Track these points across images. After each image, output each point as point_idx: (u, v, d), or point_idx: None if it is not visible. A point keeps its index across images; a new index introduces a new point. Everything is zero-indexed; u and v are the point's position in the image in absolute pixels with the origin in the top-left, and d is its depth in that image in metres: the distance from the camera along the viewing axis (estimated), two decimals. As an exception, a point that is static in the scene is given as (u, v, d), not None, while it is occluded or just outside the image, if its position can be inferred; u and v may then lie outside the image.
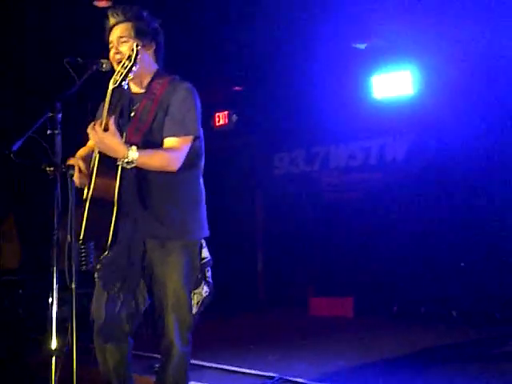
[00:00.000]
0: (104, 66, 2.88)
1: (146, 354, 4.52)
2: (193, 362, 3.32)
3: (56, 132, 2.49)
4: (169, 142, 2.88)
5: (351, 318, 6.98)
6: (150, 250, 2.90)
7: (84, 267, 2.77)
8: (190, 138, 2.92)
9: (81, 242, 2.74)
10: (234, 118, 8.34)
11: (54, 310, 2.42)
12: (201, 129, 2.99)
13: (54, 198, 2.47)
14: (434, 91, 6.63)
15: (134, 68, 2.72)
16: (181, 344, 2.93)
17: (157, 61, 3.06)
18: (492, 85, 6.22)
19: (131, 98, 2.98)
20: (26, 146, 2.44)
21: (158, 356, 3.04)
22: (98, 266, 2.89)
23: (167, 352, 2.93)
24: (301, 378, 4.17)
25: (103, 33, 3.00)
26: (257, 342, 5.55)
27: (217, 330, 6.00)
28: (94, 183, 2.77)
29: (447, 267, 6.55)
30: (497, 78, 6.20)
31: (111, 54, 2.94)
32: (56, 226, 2.46)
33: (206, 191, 3.08)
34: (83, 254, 2.76)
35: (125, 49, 2.89)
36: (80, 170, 2.79)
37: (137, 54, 2.72)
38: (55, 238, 2.45)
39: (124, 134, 2.81)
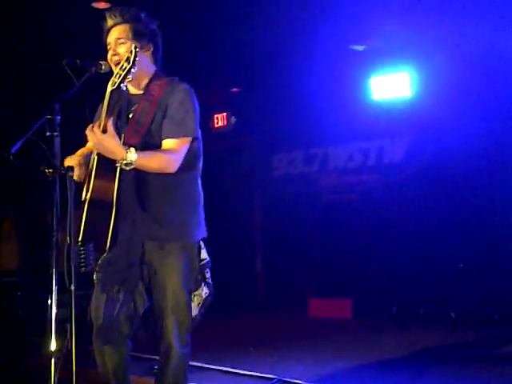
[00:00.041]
0: (103, 67, 2.89)
1: (145, 356, 4.52)
2: (192, 363, 3.33)
3: (55, 134, 2.50)
4: (167, 143, 2.88)
5: (350, 319, 6.98)
6: (149, 251, 2.90)
7: (83, 269, 2.77)
8: (189, 139, 2.92)
9: (80, 243, 2.74)
10: (233, 119, 8.35)
11: (53, 312, 2.42)
12: (199, 130, 2.99)
13: (53, 200, 2.47)
14: (432, 93, 6.63)
15: (132, 70, 2.73)
16: (180, 345, 2.93)
17: (155, 62, 3.07)
18: (490, 86, 6.23)
19: (129, 99, 2.98)
20: (24, 147, 2.44)
21: (157, 358, 3.04)
22: (97, 268, 2.89)
23: (166, 353, 2.93)
24: (299, 379, 4.18)
25: (102, 34, 3.01)
26: (256, 344, 5.55)
27: (216, 332, 5.99)
28: (93, 185, 2.77)
29: (446, 268, 6.54)
30: (495, 79, 6.21)
31: (109, 55, 2.95)
32: (55, 227, 2.46)
33: (204, 192, 3.08)
34: (82, 256, 2.76)
35: (123, 50, 2.89)
36: (79, 164, 2.81)
37: (135, 56, 2.72)
38: (54, 239, 2.45)
39: (122, 136, 2.81)
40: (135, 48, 2.75)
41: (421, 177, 6.99)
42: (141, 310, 2.97)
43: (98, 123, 2.73)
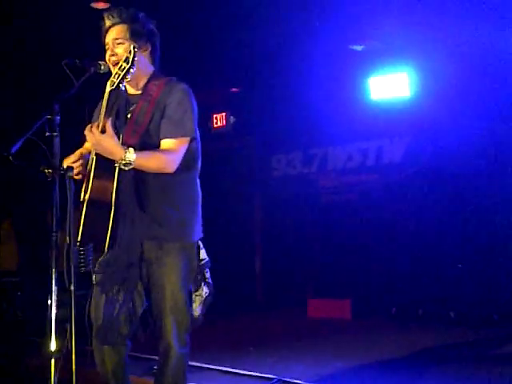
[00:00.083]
0: (102, 67, 2.89)
1: (145, 356, 4.51)
2: (191, 363, 3.32)
3: (54, 134, 2.50)
4: (165, 143, 2.88)
5: (350, 320, 6.98)
6: (148, 251, 2.90)
7: (83, 269, 2.77)
8: (187, 139, 2.92)
9: (79, 244, 2.74)
10: (232, 119, 8.35)
11: (53, 312, 2.41)
12: (197, 130, 2.99)
13: (53, 200, 2.47)
14: (430, 93, 6.64)
15: (131, 70, 2.73)
16: (179, 345, 2.93)
17: (153, 62, 3.07)
18: (490, 86, 6.23)
19: (128, 99, 2.97)
20: (24, 147, 2.44)
21: (157, 358, 3.03)
22: (97, 268, 2.88)
23: (165, 354, 2.93)
24: (299, 379, 4.18)
25: (101, 34, 3.01)
26: (255, 344, 5.54)
27: (215, 332, 5.99)
28: (92, 185, 2.77)
29: (446, 268, 6.55)
30: (495, 79, 6.21)
31: (107, 56, 2.95)
32: (55, 227, 2.46)
33: (203, 193, 3.08)
34: (82, 256, 2.76)
35: (120, 51, 2.89)
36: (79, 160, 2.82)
37: (134, 56, 2.72)
38: (54, 239, 2.45)
39: (121, 136, 2.81)
40: (134, 48, 2.75)
41: (420, 177, 7.00)
42: (140, 311, 2.97)
43: (96, 123, 2.73)
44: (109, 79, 2.82)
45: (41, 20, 5.69)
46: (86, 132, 2.71)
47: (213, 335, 5.77)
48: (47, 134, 2.50)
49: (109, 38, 2.95)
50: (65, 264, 2.47)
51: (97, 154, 2.76)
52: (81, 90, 2.73)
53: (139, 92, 2.99)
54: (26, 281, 6.95)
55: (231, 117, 8.35)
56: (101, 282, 2.91)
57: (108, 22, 2.96)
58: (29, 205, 7.34)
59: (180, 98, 2.93)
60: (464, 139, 6.45)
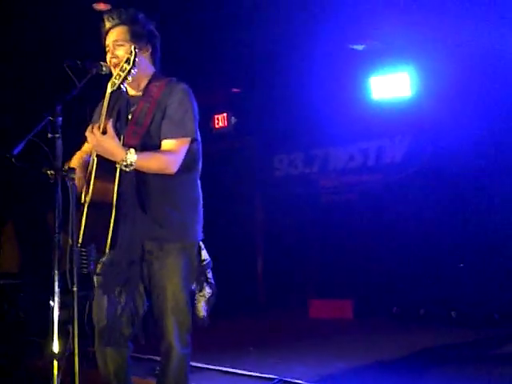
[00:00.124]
0: (104, 68, 2.89)
1: (147, 357, 4.52)
2: (193, 364, 3.33)
3: (56, 136, 2.50)
4: (166, 144, 2.88)
5: (351, 320, 6.98)
6: (149, 252, 2.90)
7: (85, 270, 2.77)
8: (188, 139, 2.92)
9: (80, 245, 2.74)
10: (233, 120, 8.35)
11: (55, 313, 2.42)
12: (198, 131, 2.99)
13: (55, 202, 2.47)
14: (431, 93, 6.64)
15: (132, 71, 2.73)
16: (180, 346, 2.93)
17: (153, 63, 3.07)
18: (490, 86, 6.23)
19: (128, 100, 2.98)
20: (26, 149, 2.44)
21: (159, 358, 3.04)
22: (98, 270, 2.89)
23: (167, 354, 2.93)
24: (300, 380, 4.18)
25: (101, 36, 3.01)
26: (256, 344, 5.55)
27: (216, 332, 5.98)
28: (93, 186, 2.77)
29: (446, 268, 6.55)
30: (495, 79, 6.21)
31: (108, 58, 2.95)
32: (57, 229, 2.46)
33: (205, 193, 3.09)
34: (84, 257, 2.76)
35: (121, 52, 2.89)
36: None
37: (135, 57, 2.72)
38: (56, 240, 2.45)
39: (122, 137, 2.81)
40: (135, 49, 2.75)
41: (421, 177, 7.00)
42: (141, 311, 2.97)
43: (97, 124, 2.73)
44: (109, 80, 2.83)
45: (41, 20, 5.69)
46: (87, 133, 2.72)
47: (214, 336, 5.75)
48: (49, 135, 2.50)
49: (109, 40, 2.95)
50: (67, 265, 2.47)
51: (98, 155, 2.77)
52: (81, 91, 2.73)
53: (140, 93, 2.99)
54: (28, 282, 6.95)
55: (232, 117, 8.35)
56: (103, 284, 2.91)
57: (108, 24, 2.96)
58: (30, 206, 7.34)
59: (181, 99, 2.93)
60: (464, 139, 6.45)
